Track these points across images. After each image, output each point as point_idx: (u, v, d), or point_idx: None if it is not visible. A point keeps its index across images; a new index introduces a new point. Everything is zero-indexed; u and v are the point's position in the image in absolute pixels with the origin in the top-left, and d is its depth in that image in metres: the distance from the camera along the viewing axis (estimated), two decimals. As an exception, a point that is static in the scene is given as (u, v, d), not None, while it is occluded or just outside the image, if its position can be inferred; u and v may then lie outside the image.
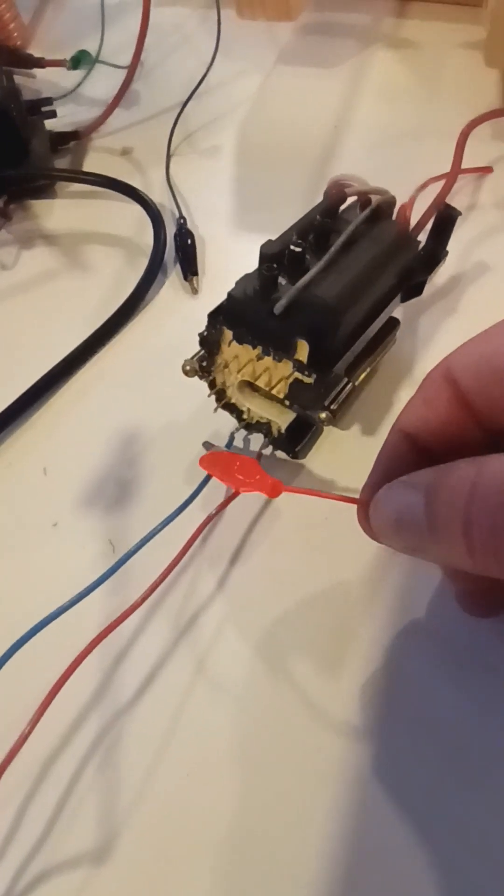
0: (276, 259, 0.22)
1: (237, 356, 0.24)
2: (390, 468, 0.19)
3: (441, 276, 0.33)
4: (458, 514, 0.15)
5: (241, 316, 0.23)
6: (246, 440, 0.27)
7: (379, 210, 0.25)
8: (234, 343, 0.24)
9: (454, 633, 0.22)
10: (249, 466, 0.22)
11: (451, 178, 0.33)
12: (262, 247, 0.22)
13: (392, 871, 0.19)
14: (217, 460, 0.23)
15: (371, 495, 0.18)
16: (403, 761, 0.20)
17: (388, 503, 0.18)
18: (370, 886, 0.18)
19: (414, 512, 0.16)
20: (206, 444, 0.25)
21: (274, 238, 0.24)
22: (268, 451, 0.27)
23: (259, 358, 0.23)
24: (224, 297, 0.23)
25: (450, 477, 0.15)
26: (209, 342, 0.24)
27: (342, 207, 0.26)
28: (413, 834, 0.19)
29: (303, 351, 0.22)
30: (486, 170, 0.38)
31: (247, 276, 0.23)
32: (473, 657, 0.22)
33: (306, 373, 0.22)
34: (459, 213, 0.26)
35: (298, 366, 0.22)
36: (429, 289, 0.29)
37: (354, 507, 0.20)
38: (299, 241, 0.22)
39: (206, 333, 0.24)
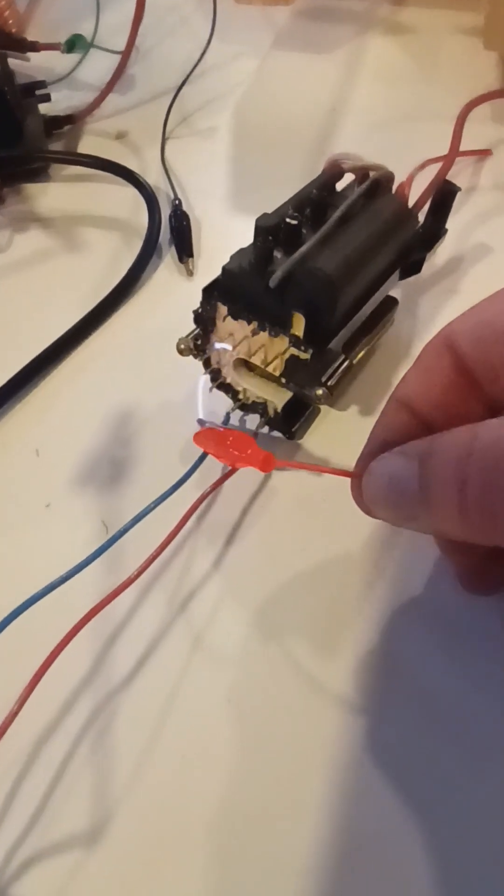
0: (271, 232, 0.22)
1: (232, 333, 0.24)
2: (386, 440, 0.18)
3: (440, 256, 0.32)
4: (451, 475, 0.15)
5: (236, 290, 0.22)
6: (242, 421, 0.27)
7: (377, 185, 0.25)
8: (229, 319, 0.23)
9: (453, 612, 0.22)
10: (242, 441, 0.21)
11: (450, 158, 0.32)
12: (258, 219, 0.22)
13: (389, 853, 0.18)
14: (211, 436, 0.22)
15: (365, 467, 0.18)
16: (401, 741, 0.20)
17: (380, 471, 0.17)
18: (368, 869, 0.18)
19: (406, 477, 0.16)
20: (201, 421, 0.25)
21: (269, 215, 0.23)
22: (264, 431, 0.26)
23: (254, 334, 0.23)
24: (217, 277, 0.23)
25: (444, 441, 0.15)
26: (204, 319, 0.24)
27: (340, 186, 0.25)
28: (411, 815, 0.19)
29: (299, 325, 0.22)
30: (486, 152, 0.38)
31: (242, 250, 0.23)
32: (472, 635, 0.21)
33: (303, 348, 0.22)
34: (459, 189, 0.26)
35: (295, 341, 0.22)
36: (428, 269, 0.28)
37: (350, 484, 0.20)
38: (295, 215, 0.22)
39: (200, 310, 0.24)
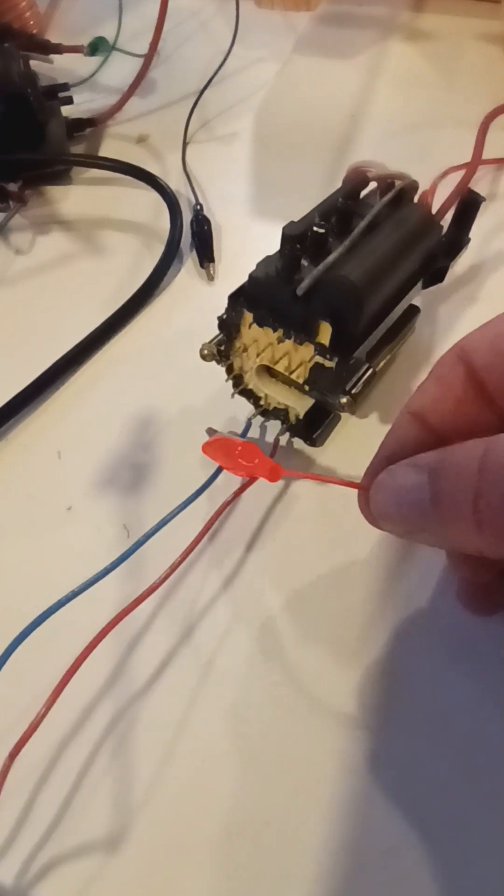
0: (298, 240, 0.22)
1: (256, 340, 0.24)
2: (396, 452, 0.18)
3: (461, 265, 0.32)
4: (466, 488, 0.14)
5: (262, 298, 0.22)
6: (263, 427, 0.27)
7: (401, 194, 0.25)
8: (254, 326, 0.23)
9: (468, 628, 0.22)
10: (250, 451, 0.21)
11: (472, 167, 0.32)
12: (285, 228, 0.22)
13: (395, 872, 0.18)
14: (220, 445, 0.22)
15: (373, 479, 0.18)
16: (409, 760, 0.20)
17: (389, 484, 0.17)
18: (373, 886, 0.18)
19: (417, 491, 0.16)
20: (210, 431, 0.25)
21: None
22: (284, 438, 0.26)
23: (279, 341, 0.23)
24: (240, 283, 0.23)
25: (456, 454, 0.15)
26: (228, 325, 0.24)
27: (363, 194, 0.25)
28: (418, 836, 0.18)
29: (325, 333, 0.22)
30: (507, 160, 0.37)
31: (268, 257, 0.23)
32: (487, 654, 0.21)
33: (328, 356, 0.22)
34: (483, 199, 0.26)
35: (320, 349, 0.22)
36: (448, 278, 0.28)
37: (357, 495, 0.19)
38: (322, 223, 0.22)
39: (225, 316, 0.24)
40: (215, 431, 0.25)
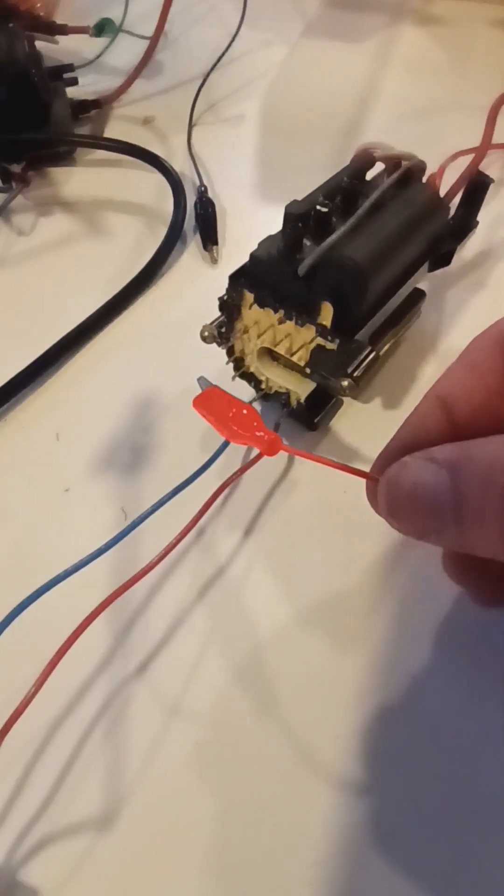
0: (301, 219, 0.21)
1: (257, 321, 0.23)
2: (414, 439, 0.17)
3: (469, 250, 0.32)
4: (496, 490, 0.13)
5: (263, 278, 0.22)
6: (263, 411, 0.27)
7: (408, 174, 0.24)
8: (255, 307, 0.23)
9: (474, 617, 0.21)
10: (248, 416, 0.19)
11: (481, 150, 0.32)
12: (288, 206, 0.22)
13: (393, 853, 0.18)
14: (213, 402, 0.20)
15: (383, 468, 0.16)
16: (408, 746, 0.19)
17: (404, 479, 0.15)
18: (373, 864, 0.18)
19: (435, 487, 0.14)
20: (202, 381, 0.21)
21: (298, 204, 0.23)
22: (285, 422, 0.26)
23: (280, 322, 0.23)
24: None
25: (482, 450, 0.14)
26: (229, 306, 0.24)
27: (370, 175, 0.25)
28: (413, 819, 0.18)
29: (327, 314, 0.21)
30: (517, 146, 0.37)
31: (270, 237, 0.23)
32: (489, 656, 0.21)
33: (329, 338, 0.22)
34: (492, 180, 0.25)
35: (321, 330, 0.22)
36: (456, 263, 0.28)
37: (365, 485, 0.18)
38: (326, 202, 0.22)
39: (226, 297, 0.23)
40: (208, 382, 0.21)
